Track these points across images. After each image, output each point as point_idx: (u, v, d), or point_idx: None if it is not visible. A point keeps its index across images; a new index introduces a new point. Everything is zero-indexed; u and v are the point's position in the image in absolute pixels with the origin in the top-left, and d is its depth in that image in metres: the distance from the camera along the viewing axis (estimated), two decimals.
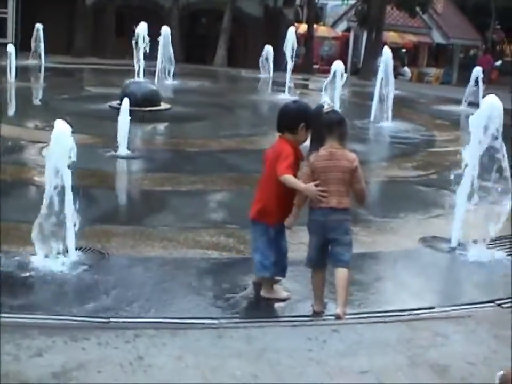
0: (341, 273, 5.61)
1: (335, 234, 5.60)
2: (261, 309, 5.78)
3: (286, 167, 5.61)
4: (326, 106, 5.70)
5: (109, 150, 11.32)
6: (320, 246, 5.69)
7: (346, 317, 5.59)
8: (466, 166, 7.60)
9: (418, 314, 5.91)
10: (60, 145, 6.26)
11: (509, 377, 2.67)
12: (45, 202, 6.31)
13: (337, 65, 16.57)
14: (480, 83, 20.37)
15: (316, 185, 5.54)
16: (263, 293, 6.07)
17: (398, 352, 5.09)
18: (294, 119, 5.80)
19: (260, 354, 4.85)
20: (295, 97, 19.63)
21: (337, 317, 5.53)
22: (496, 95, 7.51)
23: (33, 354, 4.52)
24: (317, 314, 5.81)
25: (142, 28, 20.03)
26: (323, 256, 5.72)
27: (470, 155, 7.56)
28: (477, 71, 20.65)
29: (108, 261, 6.66)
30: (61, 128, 6.33)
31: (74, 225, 6.40)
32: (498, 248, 7.79)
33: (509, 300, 6.36)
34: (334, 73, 16.55)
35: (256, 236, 5.97)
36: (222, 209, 9.17)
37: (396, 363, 4.90)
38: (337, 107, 14.04)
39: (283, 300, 6.06)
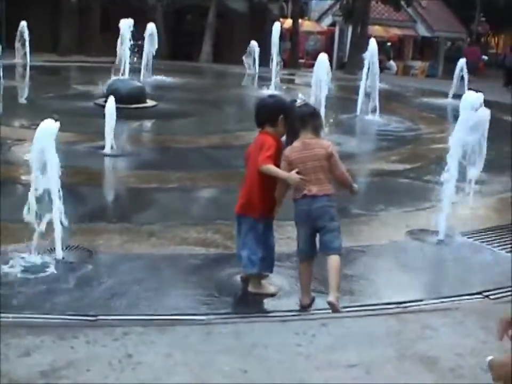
0: (334, 261, 5.63)
1: (322, 222, 5.64)
2: (250, 304, 5.79)
3: (267, 157, 5.68)
4: (298, 101, 5.81)
5: (96, 148, 11.29)
6: (309, 236, 5.72)
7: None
8: (452, 158, 7.63)
9: (406, 307, 5.93)
10: (46, 143, 6.24)
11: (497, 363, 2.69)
12: (31, 200, 6.28)
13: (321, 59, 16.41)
14: (465, 75, 20.44)
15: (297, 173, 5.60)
16: (250, 288, 6.08)
17: (386, 345, 5.10)
18: (273, 112, 5.89)
19: (249, 349, 4.85)
20: (275, 92, 19.67)
21: (331, 304, 5.54)
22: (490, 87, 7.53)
23: (21, 353, 4.51)
24: (304, 307, 5.83)
25: (126, 24, 19.95)
26: (313, 246, 5.76)
27: (456, 147, 7.59)
28: (462, 63, 20.70)
29: (95, 258, 6.65)
30: (47, 126, 6.31)
31: (61, 223, 6.39)
32: (485, 240, 7.82)
33: (497, 291, 6.40)
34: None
35: (243, 231, 5.98)
36: (209, 205, 9.17)
37: (385, 356, 4.91)
38: (323, 101, 14.10)
39: (271, 295, 6.07)
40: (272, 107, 5.97)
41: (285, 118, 5.81)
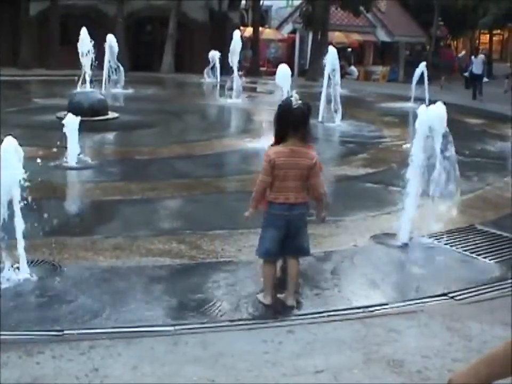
0: (297, 264, 5.93)
1: (297, 228, 5.77)
2: (216, 314, 5.78)
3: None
4: (294, 102, 5.65)
5: (58, 161, 11.21)
6: (279, 239, 5.78)
7: (301, 317, 5.65)
8: (414, 162, 7.69)
9: (372, 311, 5.96)
10: (7, 160, 6.19)
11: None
12: None
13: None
14: (426, 79, 20.65)
15: (274, 181, 5.64)
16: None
17: (353, 349, 5.14)
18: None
19: (216, 359, 4.86)
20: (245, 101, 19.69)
21: (292, 307, 5.79)
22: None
23: None
24: (267, 307, 5.88)
25: (86, 37, 19.85)
26: (280, 249, 5.82)
27: (417, 151, 7.65)
28: (422, 67, 20.90)
29: (61, 272, 6.59)
30: (9, 143, 6.25)
31: (25, 238, 6.34)
32: (448, 242, 7.89)
33: (461, 292, 6.46)
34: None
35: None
36: (173, 216, 9.14)
37: (352, 360, 4.95)
38: None
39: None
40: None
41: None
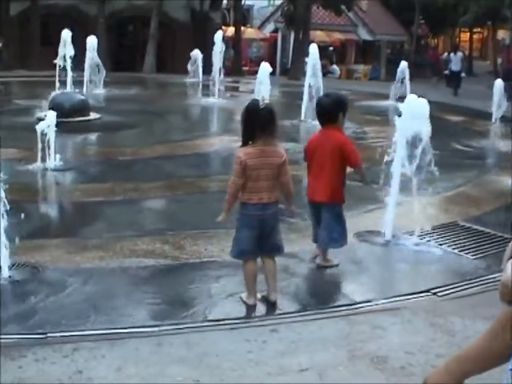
0: (274, 262, 6.01)
1: (271, 227, 5.84)
2: (200, 314, 5.77)
3: (360, 158, 6.91)
4: (261, 102, 5.74)
5: (39, 163, 11.15)
6: (254, 238, 5.83)
7: (285, 316, 5.65)
8: (395, 159, 7.71)
9: (356, 308, 5.98)
10: None
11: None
12: None
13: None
14: (407, 78, 20.71)
15: (246, 182, 5.68)
16: (319, 261, 6.99)
17: (337, 347, 5.15)
18: (333, 110, 6.83)
19: (200, 359, 4.86)
20: (227, 100, 19.67)
21: (275, 303, 5.91)
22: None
23: None
24: (252, 307, 5.91)
25: (67, 37, 19.78)
26: (257, 247, 5.87)
27: (399, 148, 7.68)
28: (403, 66, 20.97)
29: (43, 275, 6.57)
30: None
31: (7, 241, 6.31)
32: (431, 238, 7.92)
33: (444, 288, 6.49)
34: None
35: (328, 217, 6.85)
36: (156, 216, 9.13)
37: (336, 358, 4.96)
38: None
39: (336, 265, 7.00)
40: (331, 105, 6.84)
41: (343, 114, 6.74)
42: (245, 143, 5.77)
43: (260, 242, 5.84)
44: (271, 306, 5.94)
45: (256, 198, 5.72)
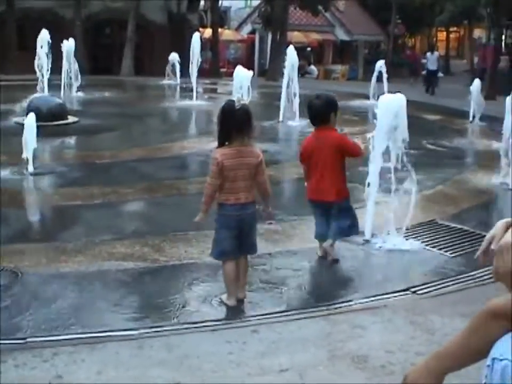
0: (246, 261, 6.08)
1: (249, 227, 5.90)
2: (180, 316, 5.77)
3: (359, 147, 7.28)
4: (236, 103, 5.78)
5: (17, 168, 11.09)
6: (233, 238, 5.86)
7: (265, 316, 5.67)
8: (373, 158, 7.74)
9: (336, 308, 5.99)
10: None
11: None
12: None
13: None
14: (385, 77, 20.77)
15: (223, 182, 5.71)
16: (330, 255, 7.18)
17: (318, 347, 5.16)
18: (325, 111, 7.07)
19: (181, 361, 4.85)
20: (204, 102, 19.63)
21: (243, 300, 6.02)
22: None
23: None
24: (232, 308, 5.93)
25: (44, 40, 19.68)
26: (237, 247, 5.90)
27: (377, 147, 7.71)
28: (380, 65, 21.02)
29: (22, 280, 6.53)
30: None
31: None
32: (411, 236, 7.95)
33: (423, 287, 6.53)
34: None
35: (336, 213, 7.09)
36: (135, 219, 9.09)
37: (317, 358, 4.97)
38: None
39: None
40: (323, 107, 7.09)
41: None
42: (221, 144, 5.80)
43: (238, 242, 5.87)
44: (252, 307, 5.95)
45: (233, 198, 5.75)
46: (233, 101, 5.84)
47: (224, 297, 6.03)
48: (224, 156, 5.69)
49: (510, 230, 2.55)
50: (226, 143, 5.76)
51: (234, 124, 5.69)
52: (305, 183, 7.34)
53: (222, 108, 5.82)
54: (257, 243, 6.09)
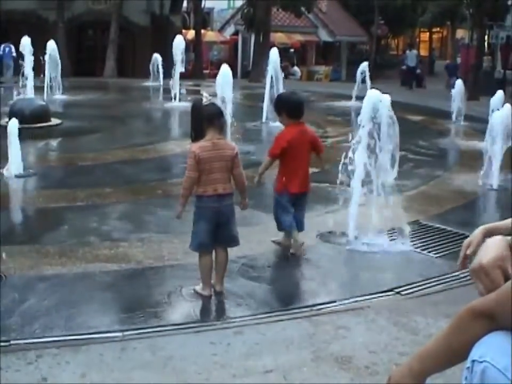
0: (226, 253, 6.15)
1: (227, 218, 5.99)
2: (163, 317, 5.76)
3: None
4: (204, 100, 5.99)
5: (1, 170, 11.04)
6: (210, 231, 5.95)
7: (249, 317, 5.68)
8: (359, 158, 7.76)
9: (319, 309, 6.00)
10: None
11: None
12: None
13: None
14: (367, 78, 20.85)
15: (201, 175, 5.85)
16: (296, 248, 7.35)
17: (301, 348, 5.17)
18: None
19: (165, 363, 4.85)
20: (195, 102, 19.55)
21: (221, 293, 6.12)
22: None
23: None
24: (208, 298, 6.06)
25: (26, 43, 19.61)
26: (213, 239, 6.00)
27: (361, 148, 7.73)
28: (364, 66, 21.11)
29: (6, 282, 6.50)
30: None
31: None
32: (393, 237, 7.98)
33: (407, 287, 6.55)
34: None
35: (302, 204, 7.49)
36: (119, 221, 9.06)
37: (301, 359, 4.98)
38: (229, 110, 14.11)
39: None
40: (302, 101, 7.61)
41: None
42: (196, 139, 5.95)
43: (216, 234, 5.97)
44: (236, 308, 5.96)
45: (211, 190, 5.87)
46: (201, 98, 6.02)
47: (198, 287, 6.14)
48: (200, 148, 5.85)
49: (483, 246, 2.57)
50: (202, 138, 5.91)
51: (205, 117, 5.89)
52: (279, 177, 7.41)
53: (192, 104, 6.09)
54: (238, 235, 6.14)
